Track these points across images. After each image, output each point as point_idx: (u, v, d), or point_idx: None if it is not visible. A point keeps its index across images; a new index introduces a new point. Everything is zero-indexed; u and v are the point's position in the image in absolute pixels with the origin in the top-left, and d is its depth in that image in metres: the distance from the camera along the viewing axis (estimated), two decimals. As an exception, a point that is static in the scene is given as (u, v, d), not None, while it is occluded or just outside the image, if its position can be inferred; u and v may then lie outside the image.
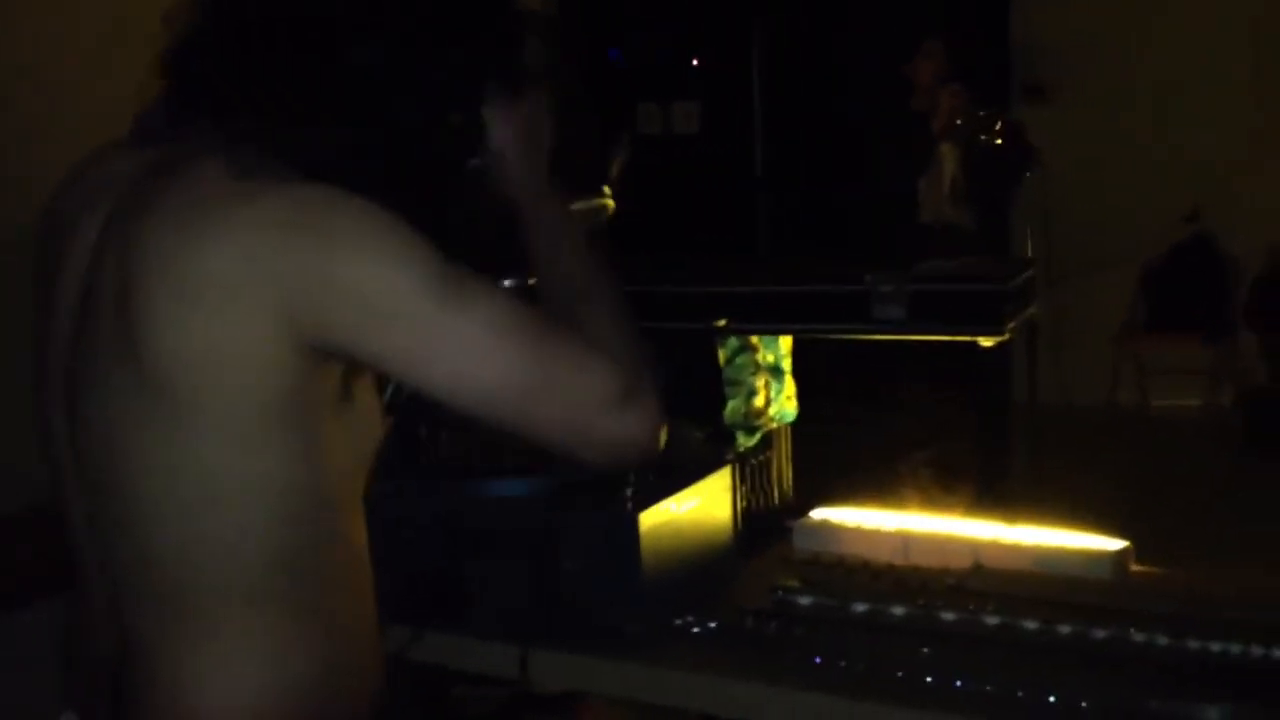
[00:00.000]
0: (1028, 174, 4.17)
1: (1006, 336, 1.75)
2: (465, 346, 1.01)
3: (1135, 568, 1.64)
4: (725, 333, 1.85)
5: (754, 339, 1.89)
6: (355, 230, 0.97)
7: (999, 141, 4.26)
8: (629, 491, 1.55)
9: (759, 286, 1.85)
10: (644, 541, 1.51)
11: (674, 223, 5.42)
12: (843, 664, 1.39)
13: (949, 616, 1.45)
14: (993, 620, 1.44)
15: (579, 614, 1.53)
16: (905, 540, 1.71)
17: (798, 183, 5.77)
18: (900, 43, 4.99)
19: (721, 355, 1.86)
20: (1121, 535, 1.66)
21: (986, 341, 1.76)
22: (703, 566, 1.64)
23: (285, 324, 0.96)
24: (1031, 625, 1.42)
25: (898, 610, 1.48)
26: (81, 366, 1.04)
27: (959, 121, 4.48)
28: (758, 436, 1.88)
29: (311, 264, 0.96)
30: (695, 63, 5.80)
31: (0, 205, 2.95)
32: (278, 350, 0.97)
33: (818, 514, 1.84)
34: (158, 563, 1.03)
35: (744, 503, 1.78)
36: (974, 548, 1.66)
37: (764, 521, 1.83)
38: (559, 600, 1.53)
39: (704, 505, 1.66)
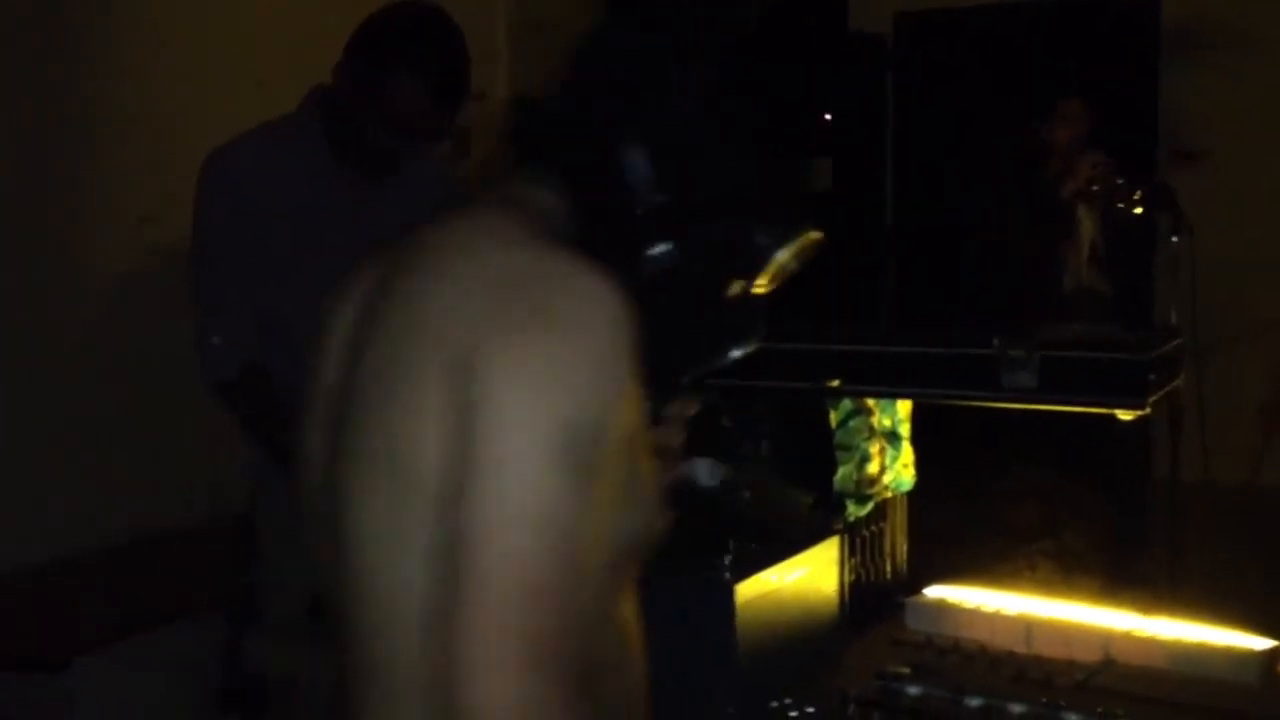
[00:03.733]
0: (1174, 239, 3.99)
1: (1147, 410, 1.61)
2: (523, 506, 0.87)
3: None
4: (838, 394, 1.75)
5: (869, 402, 1.78)
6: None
7: (1138, 210, 4.09)
8: (727, 560, 1.46)
9: (876, 346, 1.75)
10: (741, 615, 1.42)
11: (802, 281, 5.34)
12: (952, 764, 1.27)
13: (1073, 718, 1.32)
14: None
15: (668, 694, 1.43)
16: (1029, 626, 1.58)
17: (928, 243, 5.64)
18: (1038, 102, 4.85)
19: (834, 418, 1.76)
20: (1270, 634, 1.51)
21: (1125, 415, 1.62)
22: (805, 644, 1.54)
23: None
24: (1166, 732, 1.28)
25: (1016, 708, 1.35)
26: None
27: (1095, 188, 4.33)
28: (870, 505, 1.77)
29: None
30: (828, 117, 5.72)
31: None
32: None
33: (932, 592, 1.72)
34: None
35: (852, 576, 1.68)
36: (1105, 639, 1.53)
37: (874, 597, 1.73)
38: (649, 676, 1.43)
39: (808, 577, 1.56)
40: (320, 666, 1.78)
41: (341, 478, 1.01)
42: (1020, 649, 1.55)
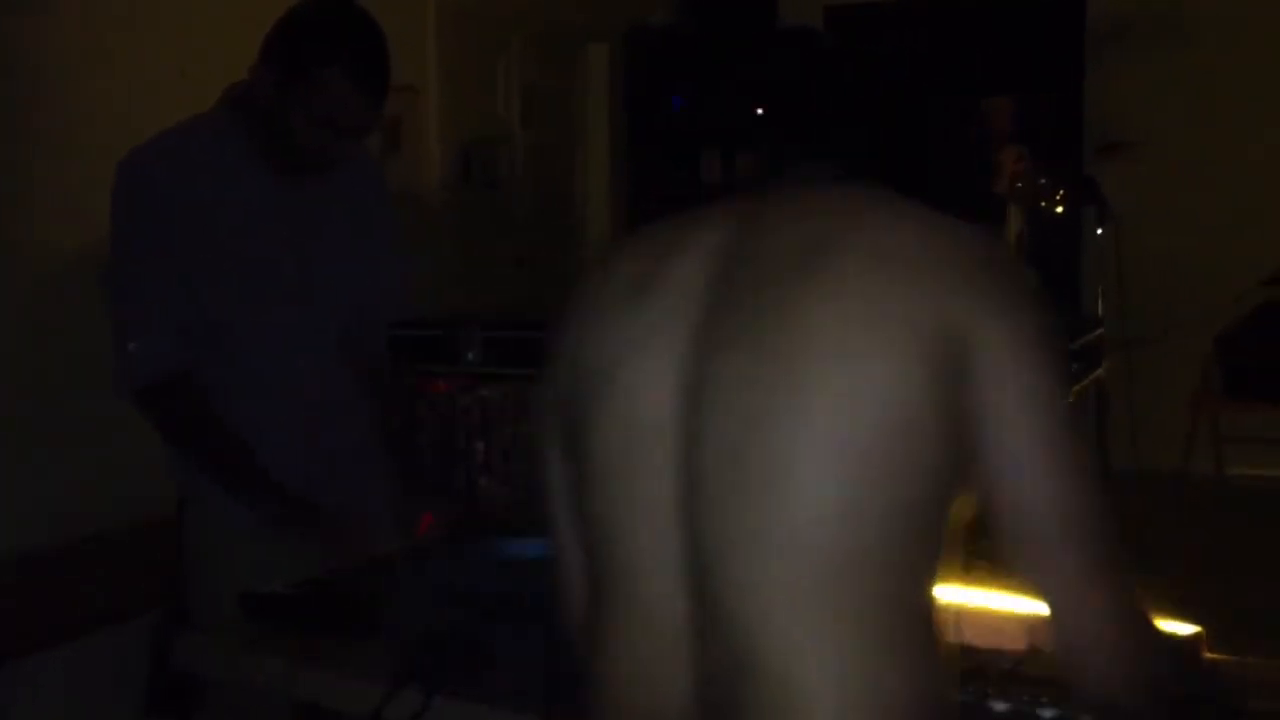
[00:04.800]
0: (1099, 230, 4.05)
1: (1070, 399, 1.62)
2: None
3: (1208, 656, 1.52)
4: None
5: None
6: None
7: (1060, 210, 4.15)
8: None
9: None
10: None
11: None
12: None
13: (1000, 707, 1.34)
14: (1048, 713, 1.34)
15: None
16: (958, 616, 1.59)
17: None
18: (967, 100, 4.90)
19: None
20: (1193, 620, 1.53)
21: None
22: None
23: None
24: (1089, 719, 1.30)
25: (945, 696, 1.36)
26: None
27: (1019, 185, 4.39)
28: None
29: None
30: (759, 112, 5.74)
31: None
32: None
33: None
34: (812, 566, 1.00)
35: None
36: (1032, 628, 1.54)
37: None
38: (580, 669, 1.43)
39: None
40: (250, 667, 1.76)
41: (722, 460, 1.02)
42: (949, 639, 1.56)
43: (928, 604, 1.05)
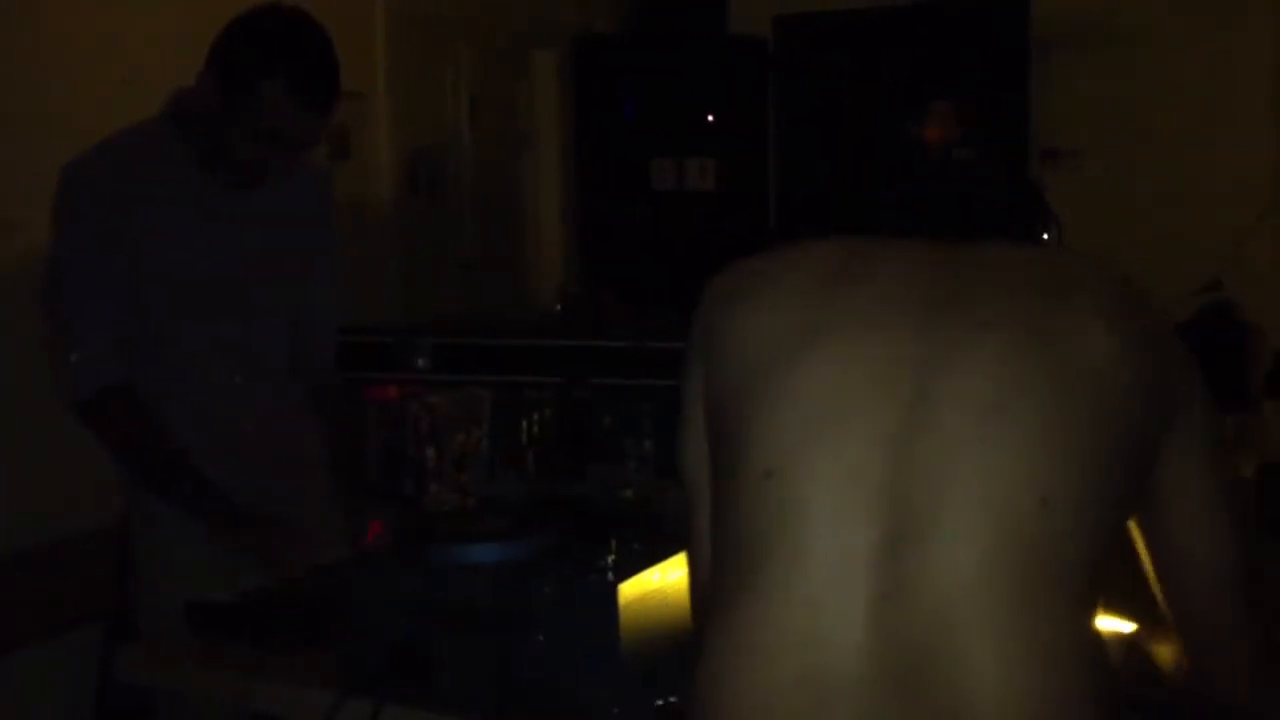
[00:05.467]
0: (1044, 235, 4.11)
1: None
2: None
3: (1143, 653, 1.54)
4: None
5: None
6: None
7: (1002, 210, 4.21)
8: (610, 559, 1.47)
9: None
10: (625, 614, 1.42)
11: (689, 281, 5.36)
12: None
13: None
14: None
15: (552, 692, 1.43)
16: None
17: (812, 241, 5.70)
18: (915, 102, 4.95)
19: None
20: (1134, 618, 1.56)
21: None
22: (689, 642, 1.54)
23: None
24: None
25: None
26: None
27: None
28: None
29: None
30: (710, 118, 5.76)
31: None
32: None
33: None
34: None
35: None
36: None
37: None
38: (530, 677, 1.43)
39: (691, 576, 1.56)
40: (198, 679, 1.75)
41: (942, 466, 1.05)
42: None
43: (1094, 616, 1.10)
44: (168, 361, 2.11)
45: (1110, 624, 1.55)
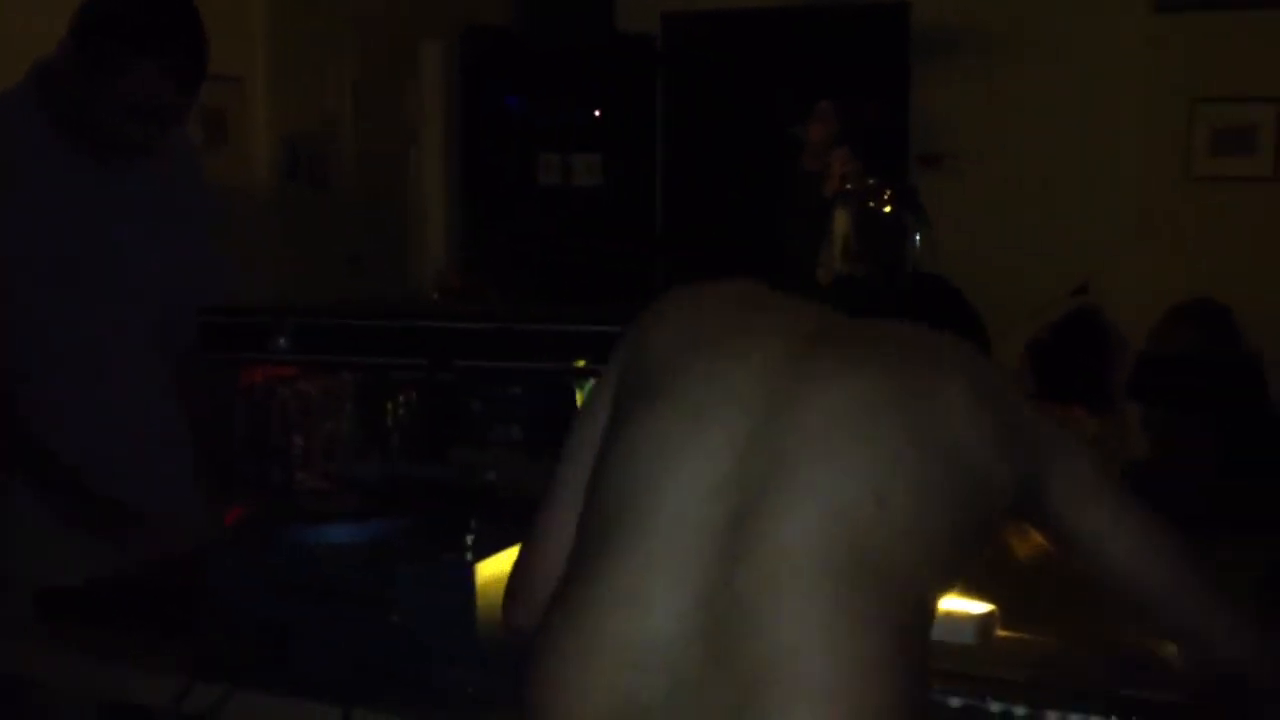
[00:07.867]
0: (918, 236, 4.19)
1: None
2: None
3: (1000, 633, 1.58)
4: (584, 374, 1.77)
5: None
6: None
7: (888, 209, 4.28)
8: (469, 539, 1.46)
9: (616, 327, 1.77)
10: (483, 594, 1.41)
11: (574, 275, 5.37)
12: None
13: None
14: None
15: (410, 673, 1.42)
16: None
17: (698, 239, 5.75)
18: (800, 102, 5.01)
19: (579, 397, 1.77)
20: (988, 599, 1.59)
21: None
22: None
23: None
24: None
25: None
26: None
27: (849, 185, 4.52)
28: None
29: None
30: (597, 114, 5.77)
31: None
32: None
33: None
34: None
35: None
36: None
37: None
38: (388, 657, 1.42)
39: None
40: (46, 664, 1.70)
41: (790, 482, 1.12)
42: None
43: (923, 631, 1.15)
44: (28, 336, 2.04)
45: (961, 605, 1.59)
